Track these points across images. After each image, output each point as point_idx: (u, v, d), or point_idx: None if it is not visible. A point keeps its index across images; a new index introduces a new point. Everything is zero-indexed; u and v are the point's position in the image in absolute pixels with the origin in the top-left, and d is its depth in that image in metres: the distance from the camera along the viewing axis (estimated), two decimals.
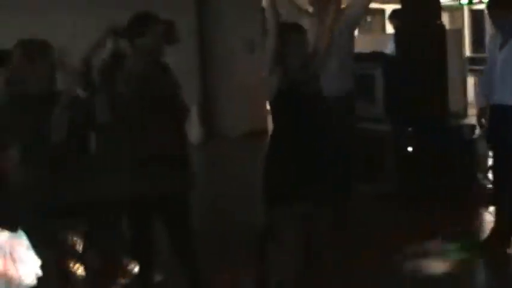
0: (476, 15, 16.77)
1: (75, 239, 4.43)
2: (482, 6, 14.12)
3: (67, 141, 4.29)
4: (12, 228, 3.69)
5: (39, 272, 3.74)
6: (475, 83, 11.07)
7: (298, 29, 4.64)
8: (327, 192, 4.66)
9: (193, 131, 11.70)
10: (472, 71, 10.95)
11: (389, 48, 8.19)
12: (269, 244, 4.68)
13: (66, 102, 4.31)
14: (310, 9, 6.09)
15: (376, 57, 7.88)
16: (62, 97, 4.31)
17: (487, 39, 10.26)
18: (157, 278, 5.06)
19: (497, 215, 5.96)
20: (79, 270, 4.45)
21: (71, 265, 4.43)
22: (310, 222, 4.59)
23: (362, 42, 8.32)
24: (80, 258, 4.46)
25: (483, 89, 6.05)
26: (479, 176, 7.39)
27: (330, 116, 5.24)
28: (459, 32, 9.53)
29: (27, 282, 3.70)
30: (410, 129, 7.47)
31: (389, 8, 10.90)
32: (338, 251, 5.11)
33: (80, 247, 4.45)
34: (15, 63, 4.46)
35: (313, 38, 4.77)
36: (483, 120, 6.06)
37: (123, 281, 4.99)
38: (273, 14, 4.59)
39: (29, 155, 4.22)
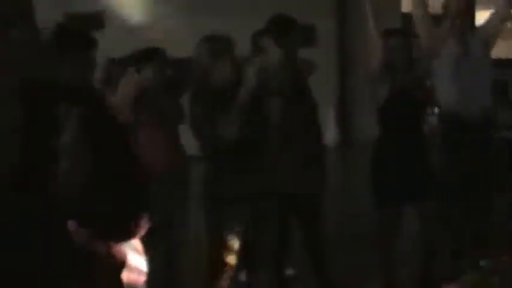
0: None
1: (232, 234, 4.59)
2: None
3: (234, 138, 4.51)
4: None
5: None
6: None
7: (401, 33, 4.70)
8: (437, 197, 4.74)
9: (329, 133, 11.80)
10: None
11: None
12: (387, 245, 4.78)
13: (242, 99, 4.41)
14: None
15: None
16: (239, 93, 4.39)
17: None
18: (289, 272, 5.22)
19: None
20: (232, 262, 4.61)
21: (229, 258, 4.60)
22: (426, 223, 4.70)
23: (498, 47, 8.16)
24: (235, 253, 4.62)
25: None
26: None
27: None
28: None
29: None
30: None
31: None
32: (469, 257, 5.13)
33: (235, 243, 4.61)
34: (200, 57, 4.65)
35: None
36: None
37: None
38: (374, 21, 4.67)
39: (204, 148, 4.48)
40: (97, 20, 10.57)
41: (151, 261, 4.49)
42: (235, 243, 4.45)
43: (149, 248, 4.45)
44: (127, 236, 1.99)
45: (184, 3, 10.64)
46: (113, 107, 3.56)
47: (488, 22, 5.43)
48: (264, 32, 4.72)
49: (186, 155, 4.85)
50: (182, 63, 4.88)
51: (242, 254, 4.56)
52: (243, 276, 5.10)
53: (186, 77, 4.84)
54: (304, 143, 4.61)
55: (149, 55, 4.79)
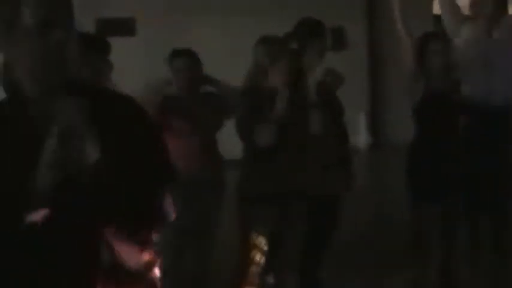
0: None
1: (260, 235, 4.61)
2: None
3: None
4: None
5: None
6: None
7: (437, 37, 4.70)
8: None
9: (361, 137, 11.77)
10: None
11: None
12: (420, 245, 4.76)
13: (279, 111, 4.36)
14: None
15: None
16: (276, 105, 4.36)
17: None
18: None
19: None
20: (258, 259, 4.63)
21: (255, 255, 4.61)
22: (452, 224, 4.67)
23: None
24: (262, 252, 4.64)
25: None
26: None
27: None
28: None
29: None
30: None
31: None
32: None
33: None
34: (257, 58, 4.67)
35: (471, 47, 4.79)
36: None
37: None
38: (404, 24, 4.66)
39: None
40: (128, 26, 10.66)
41: (181, 263, 4.55)
42: (262, 242, 4.47)
43: (179, 250, 4.52)
44: (151, 227, 2.01)
45: (214, 9, 10.70)
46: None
47: None
48: (291, 35, 4.74)
49: (223, 159, 4.88)
50: (232, 90, 4.88)
51: (270, 255, 4.58)
52: (270, 279, 5.12)
53: (231, 105, 4.85)
54: (330, 146, 4.63)
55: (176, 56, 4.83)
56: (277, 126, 4.36)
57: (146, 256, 2.17)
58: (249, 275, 4.57)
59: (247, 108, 4.44)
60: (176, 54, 4.85)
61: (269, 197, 4.47)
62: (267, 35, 4.65)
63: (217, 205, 4.92)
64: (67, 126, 1.75)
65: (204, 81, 4.92)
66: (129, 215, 1.88)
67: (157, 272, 2.76)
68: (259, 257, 4.54)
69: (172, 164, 2.04)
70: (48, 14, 1.72)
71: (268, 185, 4.46)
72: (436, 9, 7.27)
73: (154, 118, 4.39)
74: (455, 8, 5.44)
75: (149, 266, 2.26)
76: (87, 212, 1.78)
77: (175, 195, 2.25)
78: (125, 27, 10.62)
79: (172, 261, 4.67)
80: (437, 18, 6.30)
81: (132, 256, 2.03)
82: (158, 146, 1.99)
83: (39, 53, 1.72)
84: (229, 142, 4.69)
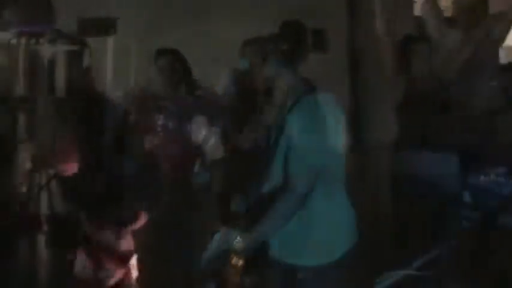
0: None
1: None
2: None
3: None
4: None
5: None
6: None
7: (421, 39, 4.76)
8: None
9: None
10: None
11: None
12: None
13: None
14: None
15: None
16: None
17: None
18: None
19: None
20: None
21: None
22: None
23: None
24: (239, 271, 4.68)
25: None
26: None
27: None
28: None
29: None
30: None
31: None
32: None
33: None
34: (249, 60, 4.73)
35: (454, 48, 4.83)
36: None
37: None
38: (385, 25, 4.72)
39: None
40: (109, 25, 10.63)
41: (163, 264, 4.58)
42: (239, 262, 4.49)
43: (161, 250, 4.55)
44: (129, 221, 2.12)
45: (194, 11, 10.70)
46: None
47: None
48: (279, 36, 4.76)
49: (208, 160, 4.89)
50: (216, 93, 4.89)
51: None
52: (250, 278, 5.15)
53: (215, 108, 4.88)
54: None
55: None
56: (260, 129, 4.41)
57: (124, 246, 2.23)
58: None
59: (231, 111, 4.47)
60: (161, 53, 4.86)
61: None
62: (256, 37, 4.67)
63: (200, 206, 4.94)
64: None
65: (188, 82, 4.94)
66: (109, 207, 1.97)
67: (134, 271, 2.80)
68: (236, 276, 4.58)
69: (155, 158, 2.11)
70: (31, 15, 1.77)
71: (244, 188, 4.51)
72: (418, 10, 7.31)
73: (138, 118, 4.42)
74: (437, 11, 5.49)
75: (126, 256, 2.32)
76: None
77: (158, 197, 2.28)
78: (106, 26, 10.59)
79: (154, 263, 4.69)
80: (419, 19, 6.35)
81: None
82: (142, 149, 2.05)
83: (24, 54, 1.77)
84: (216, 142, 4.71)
